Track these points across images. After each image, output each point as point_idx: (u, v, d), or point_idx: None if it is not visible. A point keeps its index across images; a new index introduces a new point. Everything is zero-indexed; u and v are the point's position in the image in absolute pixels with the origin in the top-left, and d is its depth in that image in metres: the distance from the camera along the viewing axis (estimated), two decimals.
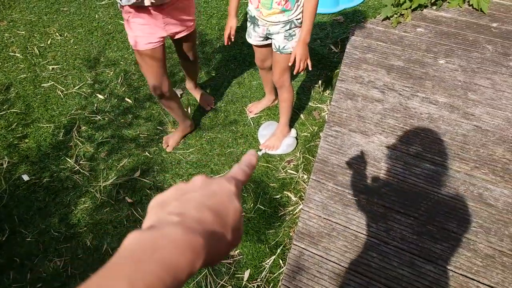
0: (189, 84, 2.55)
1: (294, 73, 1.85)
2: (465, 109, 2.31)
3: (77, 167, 2.17)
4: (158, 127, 2.40)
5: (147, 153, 2.25)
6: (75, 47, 2.96)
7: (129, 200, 2.02)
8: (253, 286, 1.71)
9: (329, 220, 1.84)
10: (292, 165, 2.17)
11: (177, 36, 1.91)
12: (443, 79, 2.51)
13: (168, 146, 2.25)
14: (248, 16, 1.89)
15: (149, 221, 0.35)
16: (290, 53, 1.85)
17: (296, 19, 1.76)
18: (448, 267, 1.67)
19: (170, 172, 2.16)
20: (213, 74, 2.75)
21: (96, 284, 0.27)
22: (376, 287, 1.62)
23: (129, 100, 2.57)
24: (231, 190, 0.39)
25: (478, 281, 1.64)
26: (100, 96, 2.59)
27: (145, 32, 1.69)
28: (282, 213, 1.95)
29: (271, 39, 1.89)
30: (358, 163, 2.06)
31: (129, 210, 1.98)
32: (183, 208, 0.35)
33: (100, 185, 2.09)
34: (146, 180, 2.12)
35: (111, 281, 0.27)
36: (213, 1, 3.38)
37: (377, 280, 1.64)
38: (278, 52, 1.87)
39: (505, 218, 1.83)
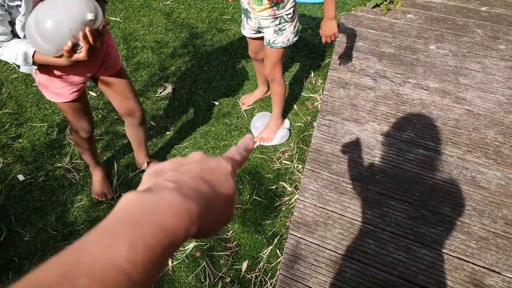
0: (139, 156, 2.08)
1: (322, 42, 1.91)
2: (456, 94, 2.33)
3: (72, 166, 2.17)
4: (151, 122, 2.40)
5: None
6: None
7: None
8: (252, 276, 1.72)
9: (324, 208, 1.86)
10: (286, 156, 2.18)
11: (101, 77, 1.62)
12: (434, 64, 2.52)
13: None
14: (241, 8, 1.89)
15: (145, 185, 0.35)
16: (281, 48, 1.85)
17: (286, 15, 1.76)
18: (443, 251, 1.70)
19: None
20: (205, 68, 2.74)
21: (96, 240, 0.26)
22: (373, 272, 1.64)
23: None
24: (227, 168, 0.40)
25: (473, 263, 1.66)
26: (92, 93, 2.58)
27: (67, 82, 1.48)
28: (278, 203, 1.97)
29: (262, 32, 1.89)
30: (352, 151, 2.07)
31: None
32: (180, 177, 0.35)
33: None
34: (141, 176, 2.12)
35: (111, 239, 0.26)
36: None
37: (374, 266, 1.66)
38: (269, 46, 1.87)
39: (498, 200, 1.85)
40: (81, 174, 2.14)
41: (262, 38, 1.97)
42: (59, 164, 2.17)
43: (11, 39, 1.26)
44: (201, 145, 2.26)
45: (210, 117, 2.42)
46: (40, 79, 1.45)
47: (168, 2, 3.36)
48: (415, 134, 2.13)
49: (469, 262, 1.66)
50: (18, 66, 1.30)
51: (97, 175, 2.00)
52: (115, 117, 2.42)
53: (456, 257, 1.68)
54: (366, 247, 1.71)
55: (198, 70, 2.74)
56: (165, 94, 2.58)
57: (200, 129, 2.36)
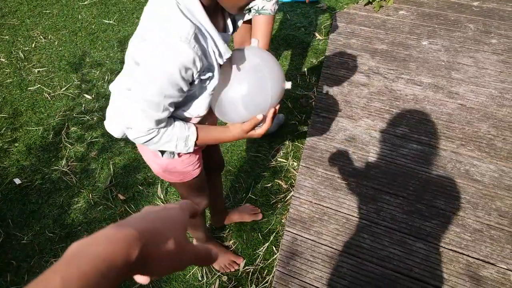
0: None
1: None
2: (449, 89, 2.34)
3: (68, 168, 2.18)
4: None
5: (137, 151, 2.26)
6: (60, 48, 2.95)
7: (122, 197, 2.04)
8: (248, 273, 1.73)
9: (320, 205, 1.87)
10: (281, 153, 2.19)
11: None
12: (427, 60, 2.54)
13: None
14: None
15: None
16: (269, 15, 1.80)
17: None
18: (438, 243, 1.71)
19: None
20: None
21: (36, 280, 0.29)
22: (369, 267, 1.65)
23: None
24: (178, 204, 0.44)
25: (468, 255, 1.67)
26: (88, 96, 2.59)
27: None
28: (274, 201, 1.98)
29: (250, 9, 1.86)
30: (346, 147, 2.08)
31: (122, 207, 2.00)
32: (127, 219, 0.38)
33: (92, 184, 2.10)
34: (138, 177, 2.13)
35: (46, 275, 0.29)
36: None
37: (369, 260, 1.67)
38: (257, 14, 1.84)
39: (492, 192, 1.86)
40: (77, 176, 2.14)
41: (247, 22, 1.94)
42: (56, 167, 2.18)
43: (167, 125, 0.99)
44: None
45: None
46: (169, 163, 1.18)
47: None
48: (408, 129, 2.14)
49: (463, 254, 1.68)
50: (162, 152, 1.11)
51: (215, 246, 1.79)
52: None
53: (450, 249, 1.69)
54: (361, 241, 1.73)
55: None
56: None
57: None
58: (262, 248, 1.80)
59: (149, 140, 0.97)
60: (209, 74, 0.91)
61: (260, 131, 1.05)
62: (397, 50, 2.62)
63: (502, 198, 1.84)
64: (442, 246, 1.70)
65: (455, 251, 1.69)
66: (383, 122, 2.18)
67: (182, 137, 1.00)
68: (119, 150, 2.26)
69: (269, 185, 2.05)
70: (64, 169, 2.17)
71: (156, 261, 0.36)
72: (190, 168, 1.22)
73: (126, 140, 2.32)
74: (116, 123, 1.16)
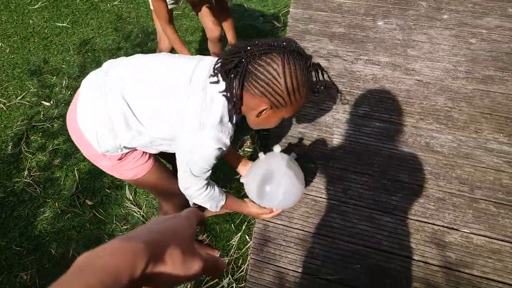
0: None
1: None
2: (406, 66, 2.40)
3: (31, 179, 2.12)
4: None
5: None
6: (12, 56, 2.84)
7: (90, 203, 2.00)
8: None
9: None
10: (248, 143, 2.20)
11: None
12: (383, 39, 2.59)
13: None
14: None
15: None
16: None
17: None
18: (404, 215, 1.77)
19: None
20: None
21: None
22: (340, 245, 1.69)
23: None
24: (184, 213, 0.44)
25: (433, 224, 1.74)
26: (46, 103, 2.51)
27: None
28: (244, 191, 1.99)
29: None
30: (311, 131, 2.11)
31: (90, 213, 1.96)
32: (132, 231, 0.38)
33: (58, 193, 2.05)
34: (105, 180, 2.09)
35: None
36: None
37: (340, 238, 1.71)
38: None
39: (452, 162, 1.94)
40: (41, 186, 2.08)
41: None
42: (17, 179, 2.11)
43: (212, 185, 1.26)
44: None
45: None
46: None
47: (116, 3, 3.30)
48: (370, 108, 2.19)
49: (428, 223, 1.74)
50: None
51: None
52: None
53: (416, 220, 1.75)
54: (331, 221, 1.76)
55: None
56: None
57: None
58: (235, 239, 1.81)
59: (207, 194, 1.22)
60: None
61: (263, 216, 1.50)
62: (354, 32, 2.67)
63: (461, 166, 1.92)
64: (408, 218, 1.76)
65: (421, 221, 1.75)
66: (345, 104, 2.22)
67: (216, 199, 1.27)
68: (83, 156, 2.21)
69: (238, 176, 2.05)
70: (26, 180, 2.11)
71: (163, 274, 0.36)
72: (139, 162, 1.24)
73: None
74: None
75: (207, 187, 1.21)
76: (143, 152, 1.25)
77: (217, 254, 1.75)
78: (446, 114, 2.13)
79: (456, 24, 2.63)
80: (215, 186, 1.27)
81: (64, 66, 2.76)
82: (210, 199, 1.25)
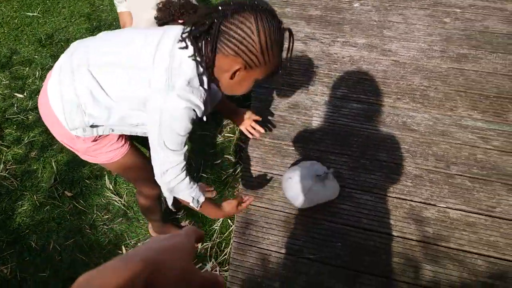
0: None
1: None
2: (382, 47, 2.42)
3: (7, 172, 2.07)
4: None
5: None
6: None
7: (69, 194, 1.97)
8: (207, 249, 1.75)
9: (269, 173, 1.90)
10: (228, 128, 2.19)
11: None
12: (360, 21, 2.60)
13: None
14: None
15: None
16: None
17: None
18: (383, 193, 1.80)
19: None
20: None
21: None
22: (320, 225, 1.71)
23: None
24: (183, 231, 0.44)
25: (411, 200, 1.78)
26: (20, 95, 2.45)
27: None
28: (225, 176, 1.99)
29: None
30: (290, 114, 2.11)
31: (70, 204, 1.94)
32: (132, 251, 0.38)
33: (36, 185, 2.01)
34: (84, 171, 2.06)
35: None
36: None
37: (321, 218, 1.73)
38: None
39: (428, 139, 1.97)
40: (18, 179, 2.04)
41: None
42: None
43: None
44: None
45: None
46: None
47: None
48: (348, 90, 2.21)
49: (407, 200, 1.78)
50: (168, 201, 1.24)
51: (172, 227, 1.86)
52: None
53: (395, 197, 1.79)
54: None
55: None
56: None
57: None
58: (218, 223, 1.82)
59: (187, 182, 1.15)
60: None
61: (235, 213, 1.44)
62: (331, 14, 2.67)
63: (437, 143, 1.96)
64: (387, 195, 1.79)
65: (399, 198, 1.78)
66: (323, 86, 2.23)
67: (196, 192, 1.21)
68: (60, 147, 2.17)
69: (218, 161, 2.05)
70: (2, 174, 2.06)
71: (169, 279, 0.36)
72: (115, 146, 1.23)
73: None
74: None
75: (186, 174, 1.14)
76: (119, 136, 1.23)
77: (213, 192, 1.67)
78: (422, 93, 2.16)
79: (431, 4, 2.65)
80: (194, 180, 1.22)
81: (36, 56, 2.69)
82: (190, 190, 1.18)
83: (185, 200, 1.21)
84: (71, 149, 1.22)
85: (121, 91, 1.05)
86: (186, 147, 1.10)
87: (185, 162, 1.13)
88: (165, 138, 1.04)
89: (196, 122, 1.06)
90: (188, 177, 1.16)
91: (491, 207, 1.75)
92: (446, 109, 2.09)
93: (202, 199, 1.24)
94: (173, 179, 1.12)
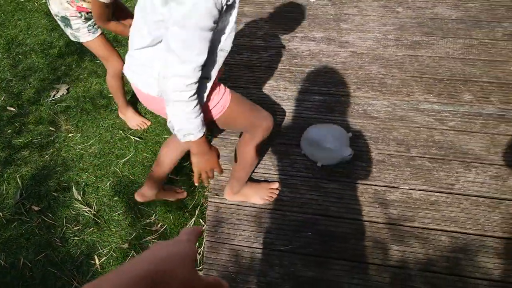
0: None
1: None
2: (340, 39, 2.49)
3: None
4: (50, 128, 2.28)
5: (45, 157, 2.15)
6: None
7: (36, 208, 1.93)
8: None
9: None
10: None
11: None
12: (317, 16, 2.66)
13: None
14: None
15: None
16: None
17: None
18: (349, 180, 1.85)
19: (74, 169, 2.09)
20: (97, 61, 2.63)
21: None
22: (291, 216, 1.75)
23: (12, 109, 2.39)
24: (187, 243, 0.43)
25: (375, 185, 1.84)
26: (12, 108, 2.38)
27: None
28: None
29: None
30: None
31: (38, 218, 1.90)
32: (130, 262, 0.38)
33: (1, 202, 1.97)
34: (50, 184, 2.03)
35: None
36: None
37: (291, 210, 1.77)
38: None
39: (388, 125, 2.05)
40: None
41: None
42: None
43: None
44: (107, 139, 2.21)
45: (111, 110, 2.35)
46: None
47: (44, 1, 3.14)
48: (309, 83, 2.26)
49: (371, 184, 1.84)
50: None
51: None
52: (9, 131, 2.27)
53: (360, 183, 1.85)
54: (281, 195, 1.82)
55: (91, 64, 2.63)
56: (59, 96, 2.45)
57: (104, 124, 2.29)
58: (190, 224, 1.83)
59: (191, 95, 1.04)
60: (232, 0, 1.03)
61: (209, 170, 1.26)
62: (289, 10, 2.71)
63: (397, 128, 2.03)
64: (352, 182, 1.85)
65: (364, 184, 1.84)
66: (285, 81, 2.27)
67: (195, 127, 1.10)
68: (24, 161, 2.13)
69: (187, 163, 2.06)
70: None
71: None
72: (218, 94, 1.27)
73: (30, 148, 2.19)
74: (151, 78, 1.18)
75: (197, 83, 1.04)
76: (214, 86, 1.26)
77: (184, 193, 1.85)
78: (380, 81, 2.24)
79: None
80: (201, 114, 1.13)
81: None
82: (192, 108, 1.06)
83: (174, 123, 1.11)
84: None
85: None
86: (202, 59, 1.01)
87: (194, 80, 1.03)
88: (187, 31, 0.96)
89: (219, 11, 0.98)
90: (196, 89, 1.06)
91: (450, 185, 1.83)
92: (404, 94, 2.17)
93: (195, 134, 1.12)
94: (185, 77, 1.02)
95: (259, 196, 1.78)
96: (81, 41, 1.87)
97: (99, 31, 1.88)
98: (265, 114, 1.44)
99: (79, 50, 2.71)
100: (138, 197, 1.82)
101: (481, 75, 2.23)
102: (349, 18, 2.61)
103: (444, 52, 2.36)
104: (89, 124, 2.29)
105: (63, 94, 2.46)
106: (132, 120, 2.24)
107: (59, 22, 1.83)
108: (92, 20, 1.81)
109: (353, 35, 2.50)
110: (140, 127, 2.24)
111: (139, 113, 2.29)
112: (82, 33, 1.83)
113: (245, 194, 1.78)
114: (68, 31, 1.85)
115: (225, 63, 2.40)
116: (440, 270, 1.60)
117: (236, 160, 1.60)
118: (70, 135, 2.25)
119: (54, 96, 2.45)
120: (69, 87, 2.50)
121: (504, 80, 2.19)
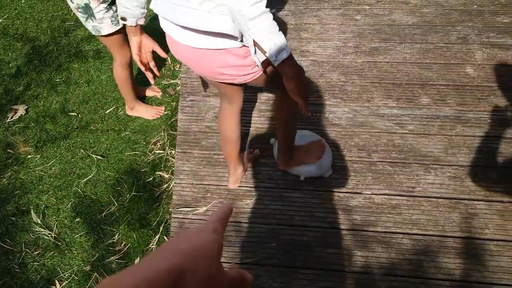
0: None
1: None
2: (300, 48, 2.52)
3: None
4: (8, 150, 2.21)
5: (3, 180, 2.08)
6: None
7: None
8: None
9: (201, 184, 1.91)
10: (158, 145, 2.18)
11: None
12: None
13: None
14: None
15: None
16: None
17: None
18: (311, 188, 1.86)
19: (33, 192, 2.02)
20: (57, 80, 2.58)
21: None
22: (255, 228, 1.75)
23: None
24: (207, 227, 0.41)
25: (338, 191, 1.86)
26: None
27: None
28: (158, 193, 1.97)
29: None
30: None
31: None
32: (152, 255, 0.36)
33: None
34: (8, 208, 1.96)
35: None
36: (38, 4, 3.13)
37: (254, 222, 1.76)
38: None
39: (349, 131, 2.07)
40: None
41: None
42: None
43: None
44: (68, 159, 2.15)
45: (72, 129, 2.30)
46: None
47: (0, 20, 3.07)
48: (271, 94, 2.27)
49: (334, 191, 1.85)
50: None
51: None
52: None
53: (323, 191, 1.86)
54: (244, 207, 1.81)
55: (50, 84, 2.57)
56: (17, 117, 2.38)
57: (65, 143, 2.24)
58: (153, 241, 1.80)
59: (266, 5, 1.03)
60: None
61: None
62: None
63: (358, 134, 2.06)
64: (315, 190, 1.86)
65: (327, 191, 1.86)
66: (248, 92, 2.28)
67: (284, 41, 1.10)
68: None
69: (150, 179, 2.03)
70: None
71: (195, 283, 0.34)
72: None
73: None
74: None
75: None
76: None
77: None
78: (341, 88, 2.27)
79: (342, 3, 2.79)
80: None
81: None
82: (272, 19, 1.07)
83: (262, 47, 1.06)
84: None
85: None
86: None
87: None
88: None
89: None
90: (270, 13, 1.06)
91: (411, 188, 1.86)
92: (364, 100, 2.21)
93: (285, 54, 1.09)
94: (251, 4, 1.00)
95: (314, 156, 1.84)
96: (102, 34, 1.82)
97: (121, 24, 1.79)
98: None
99: (38, 69, 2.65)
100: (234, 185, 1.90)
101: (438, 79, 2.29)
102: (309, 27, 2.65)
103: (402, 57, 2.42)
104: (49, 144, 2.24)
105: (21, 114, 2.39)
106: (146, 112, 2.29)
107: (80, 15, 1.76)
108: (115, 9, 1.76)
109: (313, 44, 2.53)
110: (158, 116, 2.30)
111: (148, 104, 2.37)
112: (106, 24, 1.78)
113: (299, 159, 1.83)
114: (89, 25, 1.79)
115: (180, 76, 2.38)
116: (403, 273, 1.62)
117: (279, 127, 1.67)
118: (29, 156, 2.19)
119: (12, 118, 2.38)
120: (28, 107, 2.43)
121: (459, 82, 2.26)
